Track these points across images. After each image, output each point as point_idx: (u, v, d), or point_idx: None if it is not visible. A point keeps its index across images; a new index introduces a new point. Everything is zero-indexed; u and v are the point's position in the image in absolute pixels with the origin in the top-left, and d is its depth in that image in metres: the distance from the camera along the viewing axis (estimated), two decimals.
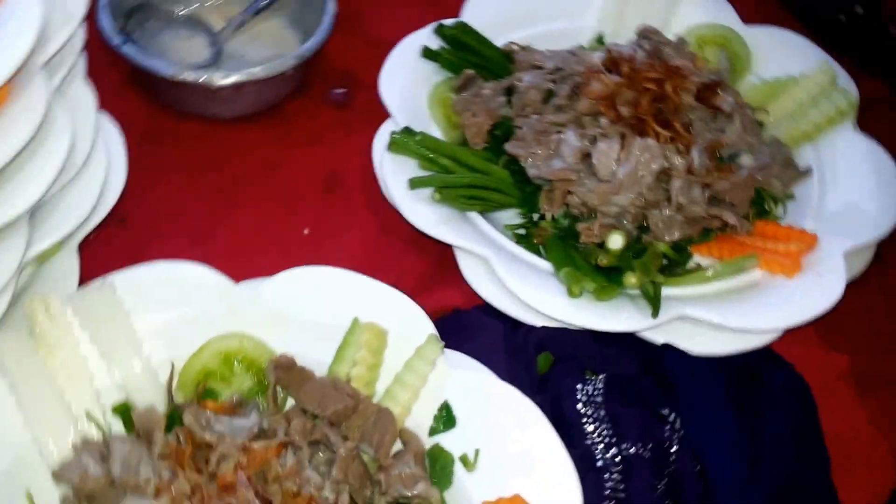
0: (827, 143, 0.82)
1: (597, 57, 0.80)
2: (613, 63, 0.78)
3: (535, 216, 0.78)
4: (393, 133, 0.76)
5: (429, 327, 0.61)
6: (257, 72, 0.80)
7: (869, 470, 0.67)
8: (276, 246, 0.79)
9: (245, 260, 0.76)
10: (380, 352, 0.60)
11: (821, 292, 0.71)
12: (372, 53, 0.90)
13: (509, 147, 0.78)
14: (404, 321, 0.61)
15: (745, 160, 0.79)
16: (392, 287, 0.63)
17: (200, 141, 0.85)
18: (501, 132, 0.80)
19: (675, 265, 0.75)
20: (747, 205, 0.77)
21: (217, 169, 0.83)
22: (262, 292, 0.62)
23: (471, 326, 0.68)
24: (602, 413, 0.61)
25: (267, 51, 0.91)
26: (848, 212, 0.78)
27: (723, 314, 0.68)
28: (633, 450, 0.58)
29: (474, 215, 0.75)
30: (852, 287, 0.72)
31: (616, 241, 0.70)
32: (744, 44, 0.88)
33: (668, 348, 0.68)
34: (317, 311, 0.62)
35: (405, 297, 0.63)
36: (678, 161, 0.74)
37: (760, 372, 0.69)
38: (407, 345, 0.60)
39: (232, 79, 0.79)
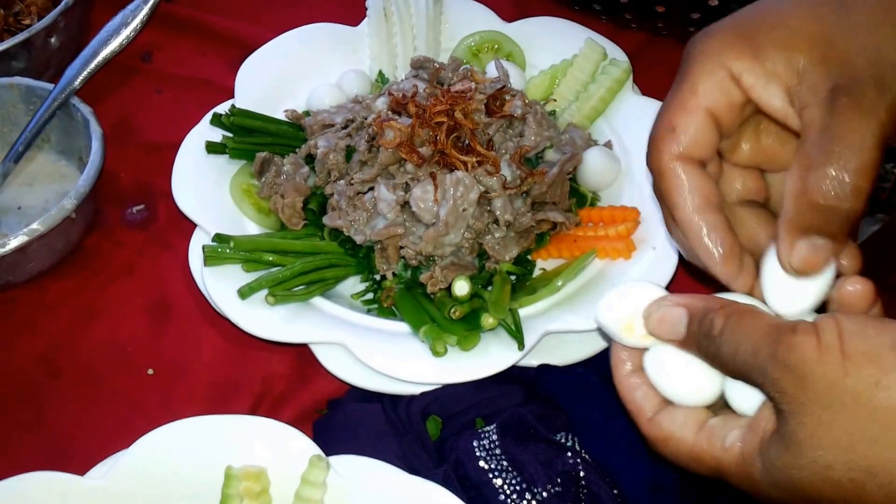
0: (615, 113, 0.85)
1: (381, 102, 0.79)
2: (399, 105, 0.78)
3: (377, 276, 0.76)
4: (205, 247, 0.72)
5: (309, 447, 0.58)
6: (37, 228, 0.73)
7: None
8: (122, 398, 0.73)
9: (89, 432, 0.70)
10: (264, 493, 0.57)
11: (660, 264, 0.73)
12: (156, 158, 0.86)
13: (327, 221, 0.76)
14: (282, 449, 0.58)
15: (551, 155, 0.81)
16: (256, 416, 0.60)
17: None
18: (316, 206, 0.78)
19: (524, 279, 0.77)
20: (566, 199, 0.79)
21: (29, 336, 0.76)
22: (118, 474, 0.57)
23: (351, 418, 0.66)
24: (504, 463, 0.61)
25: (48, 192, 0.84)
26: None
27: (582, 319, 0.69)
28: (545, 493, 0.58)
29: (318, 300, 0.73)
30: None
31: (462, 288, 0.70)
32: (513, 42, 0.89)
33: (543, 370, 0.68)
34: (186, 473, 0.58)
35: (274, 422, 0.60)
36: (492, 181, 0.75)
37: None
38: (293, 473, 0.58)
39: (11, 245, 0.72)
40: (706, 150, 0.49)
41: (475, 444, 0.62)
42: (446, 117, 0.74)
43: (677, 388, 0.48)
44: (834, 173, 0.43)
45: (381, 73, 0.90)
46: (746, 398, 0.46)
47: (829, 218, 0.44)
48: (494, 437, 0.62)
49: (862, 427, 0.40)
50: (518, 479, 0.60)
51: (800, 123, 0.46)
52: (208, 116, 0.83)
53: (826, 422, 0.41)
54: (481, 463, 0.61)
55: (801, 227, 0.44)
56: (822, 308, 0.48)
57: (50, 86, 0.84)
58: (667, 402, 0.49)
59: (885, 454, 0.40)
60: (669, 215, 0.50)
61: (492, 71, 0.84)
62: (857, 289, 0.46)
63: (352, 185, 0.76)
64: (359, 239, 0.74)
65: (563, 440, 0.62)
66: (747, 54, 0.47)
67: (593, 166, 0.80)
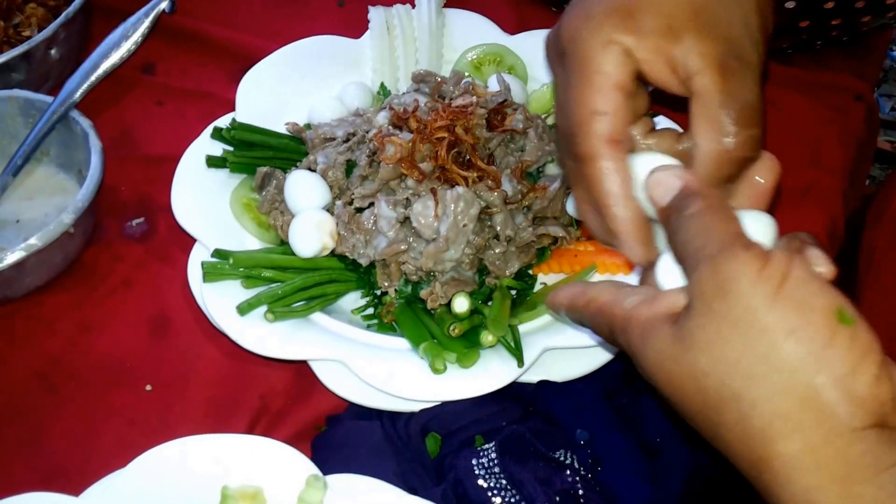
0: None
1: (382, 117, 0.79)
2: (400, 120, 0.77)
3: (378, 291, 0.76)
4: (204, 263, 0.72)
5: (306, 467, 0.58)
6: (35, 243, 0.73)
7: None
8: (119, 414, 0.72)
9: (85, 449, 0.69)
10: None
11: (660, 276, 0.73)
12: (156, 171, 0.85)
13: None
14: (279, 469, 0.58)
15: (552, 170, 0.81)
16: (253, 435, 0.60)
17: None
18: None
19: (525, 293, 0.76)
20: (567, 213, 0.79)
21: (27, 351, 0.76)
22: (113, 495, 0.57)
23: (349, 435, 0.66)
24: (503, 482, 0.60)
25: (47, 206, 0.84)
26: None
27: (582, 335, 0.69)
28: None
29: (317, 316, 0.73)
30: None
31: (462, 305, 0.69)
32: (515, 55, 0.89)
33: (543, 387, 0.68)
34: (183, 493, 0.57)
35: (272, 441, 0.59)
36: (493, 196, 0.74)
37: (632, 370, 0.71)
38: (290, 492, 0.57)
39: (8, 260, 0.72)
40: (624, 125, 0.51)
41: (474, 462, 0.61)
42: (447, 132, 0.74)
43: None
44: (745, 131, 0.50)
45: (382, 86, 0.89)
46: (669, 275, 0.48)
47: (742, 166, 0.51)
48: (493, 455, 0.61)
49: (753, 359, 0.41)
50: (517, 498, 0.59)
51: (685, 90, 0.51)
52: (209, 130, 0.82)
53: (724, 336, 0.42)
54: (480, 482, 0.61)
55: (722, 179, 0.51)
56: None
57: (49, 98, 0.84)
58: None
59: (757, 391, 0.41)
60: (591, 199, 0.52)
61: (493, 84, 0.84)
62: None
63: (350, 204, 0.76)
64: (363, 261, 0.74)
65: (562, 458, 0.62)
66: (633, 31, 0.50)
67: None
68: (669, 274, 0.48)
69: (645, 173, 0.50)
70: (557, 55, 0.54)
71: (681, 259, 0.46)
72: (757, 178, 0.52)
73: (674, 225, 0.47)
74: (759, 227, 0.48)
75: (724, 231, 0.44)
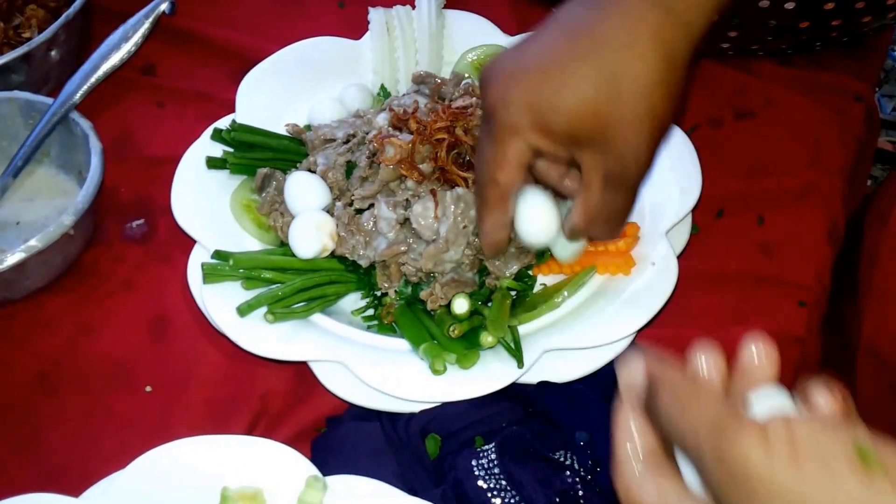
0: None
1: (382, 118, 0.79)
2: (400, 121, 0.77)
3: (378, 292, 0.76)
4: (204, 265, 0.72)
5: (306, 468, 0.58)
6: (35, 244, 0.73)
7: None
8: (119, 415, 0.72)
9: (85, 451, 0.69)
10: None
11: (660, 279, 0.73)
12: (157, 172, 0.85)
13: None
14: (278, 470, 0.58)
15: None
16: (253, 436, 0.60)
17: None
18: None
19: (525, 294, 0.76)
20: None
21: (27, 353, 0.76)
22: (113, 496, 0.57)
23: (349, 437, 0.66)
24: (503, 483, 0.60)
25: (47, 207, 0.84)
26: (654, 189, 0.78)
27: (582, 336, 0.69)
28: None
29: (317, 317, 0.73)
30: (682, 262, 0.75)
31: (461, 306, 0.69)
32: None
33: (543, 388, 0.68)
34: (182, 494, 0.57)
35: (271, 442, 0.59)
36: None
37: None
38: (290, 493, 0.57)
39: (8, 262, 0.72)
40: (518, 184, 0.66)
41: (474, 463, 0.61)
42: (447, 134, 0.74)
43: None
44: (606, 225, 0.66)
45: (383, 87, 0.89)
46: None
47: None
48: (493, 455, 0.61)
49: None
50: (517, 499, 0.59)
51: (563, 188, 0.68)
52: (209, 131, 0.82)
53: None
54: (480, 482, 0.61)
55: (582, 232, 0.67)
56: None
57: (49, 100, 0.84)
58: None
59: None
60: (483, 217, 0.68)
61: None
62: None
63: (350, 205, 0.76)
64: (363, 262, 0.74)
65: (561, 458, 0.62)
66: (541, 130, 0.61)
67: None
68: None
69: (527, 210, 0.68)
70: (483, 100, 0.64)
71: (677, 444, 0.43)
72: (756, 361, 0.46)
73: (660, 421, 0.44)
74: (775, 404, 0.43)
75: (704, 414, 0.41)
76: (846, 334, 0.87)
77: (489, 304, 0.72)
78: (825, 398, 0.42)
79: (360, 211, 0.76)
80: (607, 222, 0.65)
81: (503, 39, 0.90)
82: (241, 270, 0.72)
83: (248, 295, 0.72)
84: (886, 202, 0.90)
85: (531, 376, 0.69)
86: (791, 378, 0.76)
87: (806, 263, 0.81)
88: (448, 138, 0.74)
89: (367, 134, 0.79)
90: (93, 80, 0.86)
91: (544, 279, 0.78)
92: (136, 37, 0.90)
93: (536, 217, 0.68)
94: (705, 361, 0.45)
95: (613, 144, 0.60)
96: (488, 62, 0.65)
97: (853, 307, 0.86)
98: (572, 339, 0.69)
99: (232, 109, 0.85)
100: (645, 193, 0.79)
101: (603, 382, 0.69)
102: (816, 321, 0.80)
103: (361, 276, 0.76)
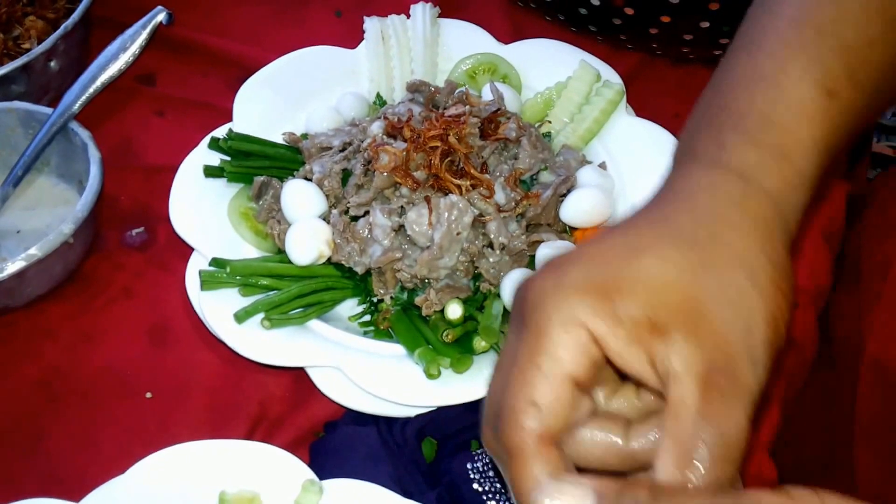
0: (608, 134, 0.86)
1: (376, 126, 0.80)
2: (394, 129, 0.78)
3: (374, 298, 0.77)
4: (201, 272, 0.73)
5: (302, 472, 0.59)
6: (35, 253, 0.74)
7: None
8: (120, 422, 0.73)
9: (86, 457, 0.70)
10: None
11: None
12: (156, 181, 0.86)
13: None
14: (276, 474, 0.59)
15: (545, 177, 0.82)
16: (250, 441, 0.61)
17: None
18: None
19: None
20: (560, 220, 0.80)
21: (28, 360, 0.77)
22: (113, 501, 0.58)
23: (346, 441, 0.67)
24: (497, 486, 0.61)
25: (48, 216, 0.85)
26: (644, 191, 0.79)
27: None
28: None
29: (314, 323, 0.74)
30: None
31: (455, 311, 0.70)
32: (509, 64, 0.90)
33: None
34: (181, 498, 0.58)
35: (269, 447, 0.60)
36: (486, 205, 0.75)
37: None
38: (287, 497, 0.58)
39: (8, 271, 0.73)
40: (565, 422, 0.42)
41: (469, 466, 0.62)
42: (441, 142, 0.75)
43: None
44: (715, 469, 0.39)
45: (378, 96, 0.91)
46: None
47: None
48: (487, 459, 0.62)
49: None
50: (511, 502, 0.60)
51: (662, 387, 0.41)
52: (206, 140, 0.83)
53: None
54: (475, 486, 0.62)
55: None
56: None
57: (49, 110, 0.85)
58: None
59: None
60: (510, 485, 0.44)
61: (487, 94, 0.85)
62: None
63: (345, 212, 0.77)
64: (359, 269, 0.75)
65: None
66: (608, 315, 0.41)
67: (586, 185, 0.81)
68: None
69: None
70: (517, 317, 0.44)
71: None
72: None
73: None
74: None
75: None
76: (842, 336, 0.86)
77: (483, 310, 0.73)
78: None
79: (355, 218, 0.77)
80: (716, 458, 0.39)
81: (497, 48, 0.91)
82: (238, 277, 0.73)
83: (245, 302, 0.73)
84: (890, 211, 0.87)
85: None
86: (786, 382, 0.77)
87: (802, 265, 0.82)
88: (441, 146, 0.75)
89: (362, 142, 0.80)
90: (92, 90, 0.87)
91: None
92: (134, 47, 0.91)
93: None
94: None
95: (710, 326, 0.41)
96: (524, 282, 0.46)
97: (851, 310, 0.85)
98: None
99: (231, 118, 0.86)
100: (630, 196, 0.81)
101: None
102: (812, 324, 0.81)
103: (357, 283, 0.77)
